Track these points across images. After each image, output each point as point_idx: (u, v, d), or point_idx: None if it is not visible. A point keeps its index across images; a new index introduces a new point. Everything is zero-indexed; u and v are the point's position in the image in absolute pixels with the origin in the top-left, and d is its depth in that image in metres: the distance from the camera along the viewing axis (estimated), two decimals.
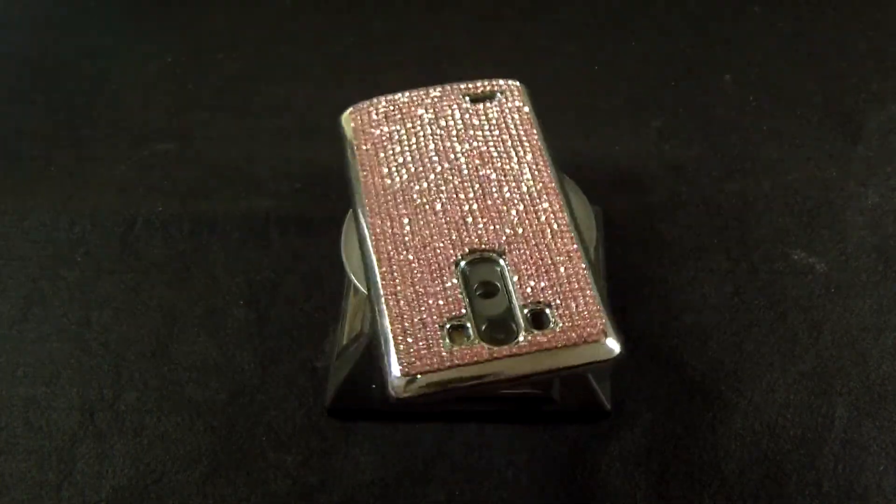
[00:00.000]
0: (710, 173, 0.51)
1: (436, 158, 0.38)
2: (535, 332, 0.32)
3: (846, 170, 0.50)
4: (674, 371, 0.43)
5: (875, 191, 0.49)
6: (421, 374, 0.31)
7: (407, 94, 0.40)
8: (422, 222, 0.36)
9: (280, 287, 0.47)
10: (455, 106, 0.40)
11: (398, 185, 0.37)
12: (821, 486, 0.39)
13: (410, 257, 0.34)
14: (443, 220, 0.36)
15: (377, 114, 0.40)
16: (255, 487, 0.41)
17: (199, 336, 0.45)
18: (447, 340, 0.32)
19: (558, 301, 0.33)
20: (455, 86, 0.40)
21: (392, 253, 0.35)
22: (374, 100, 0.40)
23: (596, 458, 0.41)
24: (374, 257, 0.35)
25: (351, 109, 0.41)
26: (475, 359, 0.31)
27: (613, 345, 0.32)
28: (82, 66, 0.59)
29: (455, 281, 0.33)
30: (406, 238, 0.35)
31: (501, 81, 0.41)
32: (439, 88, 0.40)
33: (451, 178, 0.37)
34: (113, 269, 0.48)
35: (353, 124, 0.40)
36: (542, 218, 0.35)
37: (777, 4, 0.60)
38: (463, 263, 0.34)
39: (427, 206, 0.36)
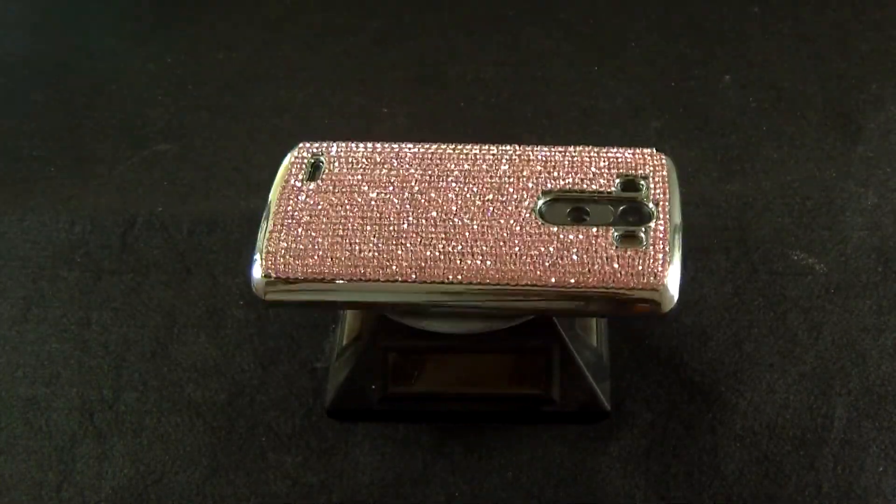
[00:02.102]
0: (710, 173, 0.51)
1: (374, 206, 0.36)
2: (646, 192, 0.36)
3: (846, 170, 0.50)
4: (674, 371, 0.43)
5: (875, 191, 0.49)
6: (670, 274, 0.34)
7: (276, 207, 0.37)
8: (474, 223, 0.36)
9: None
10: (306, 185, 0.37)
11: (400, 239, 0.36)
12: (820, 486, 0.39)
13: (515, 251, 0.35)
14: (487, 207, 0.36)
15: (296, 240, 0.36)
16: (255, 488, 0.41)
17: (199, 336, 0.45)
18: (632, 248, 0.34)
19: (623, 167, 0.37)
20: (284, 179, 0.38)
21: (497, 262, 0.34)
22: (274, 245, 0.36)
23: (596, 458, 0.41)
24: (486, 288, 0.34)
25: (262, 274, 0.35)
26: (669, 233, 0.35)
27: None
28: (82, 66, 0.59)
29: (556, 227, 0.35)
30: (478, 245, 0.35)
31: (302, 150, 0.39)
32: (277, 195, 0.37)
33: (412, 195, 0.37)
34: (113, 269, 0.48)
35: (275, 278, 0.35)
36: (514, 156, 0.37)
37: (777, 4, 0.60)
38: (542, 218, 0.35)
39: (446, 217, 0.36)
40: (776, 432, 0.41)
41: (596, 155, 0.37)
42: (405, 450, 0.41)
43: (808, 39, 0.57)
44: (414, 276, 0.35)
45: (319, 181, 0.37)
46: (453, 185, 0.37)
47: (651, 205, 0.36)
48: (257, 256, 0.35)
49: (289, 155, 0.39)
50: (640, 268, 0.34)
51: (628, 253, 0.34)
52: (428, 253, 0.35)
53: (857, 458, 0.40)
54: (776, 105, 0.54)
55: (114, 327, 0.46)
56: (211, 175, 0.52)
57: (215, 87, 0.57)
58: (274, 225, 0.36)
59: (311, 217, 0.36)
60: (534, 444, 0.41)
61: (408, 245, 0.35)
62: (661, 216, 0.35)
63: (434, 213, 0.36)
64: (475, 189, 0.37)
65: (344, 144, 0.38)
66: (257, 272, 0.35)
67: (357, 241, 0.35)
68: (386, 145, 0.38)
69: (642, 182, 0.36)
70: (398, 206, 0.36)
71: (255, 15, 0.62)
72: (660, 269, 0.34)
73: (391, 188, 0.37)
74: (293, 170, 0.38)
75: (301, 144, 0.39)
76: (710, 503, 0.39)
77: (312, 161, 0.38)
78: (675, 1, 0.61)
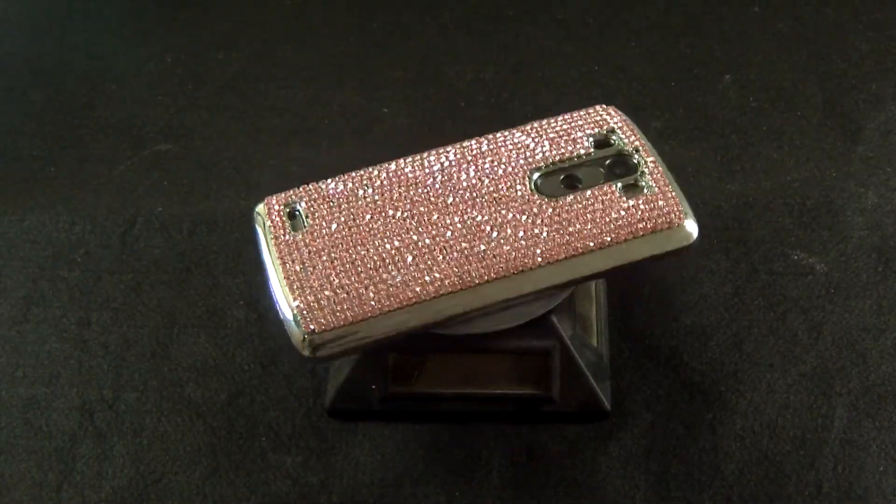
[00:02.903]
0: (710, 173, 0.51)
1: (380, 233, 0.36)
2: (621, 143, 0.38)
3: (846, 170, 0.50)
4: (674, 371, 0.43)
5: (875, 191, 0.49)
6: (685, 208, 0.37)
7: (282, 265, 0.35)
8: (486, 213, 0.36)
9: None
10: (297, 235, 0.36)
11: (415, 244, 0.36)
12: (821, 486, 0.39)
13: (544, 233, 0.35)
14: (490, 200, 0.36)
15: (322, 288, 0.35)
16: (255, 488, 0.41)
17: (199, 336, 0.45)
18: (641, 195, 0.36)
19: (588, 127, 0.38)
20: (273, 237, 0.36)
21: (529, 243, 0.35)
22: (303, 300, 0.35)
23: (596, 458, 0.41)
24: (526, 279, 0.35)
25: (306, 332, 0.34)
26: (665, 174, 0.37)
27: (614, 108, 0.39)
28: (82, 66, 0.59)
29: (562, 198, 0.36)
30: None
31: (270, 204, 0.37)
32: (276, 253, 0.36)
33: (412, 210, 0.36)
34: (113, 269, 0.48)
35: (322, 332, 0.34)
36: (487, 147, 0.38)
37: (777, 4, 0.60)
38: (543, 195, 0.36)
39: (457, 220, 0.36)
40: (776, 432, 0.41)
41: (560, 124, 0.38)
42: (405, 450, 0.41)
43: (808, 39, 0.57)
44: (457, 284, 0.34)
45: (310, 227, 0.36)
46: (444, 189, 0.37)
47: (634, 154, 0.37)
48: (290, 318, 0.34)
49: (259, 212, 0.37)
50: (659, 209, 0.36)
51: (640, 201, 0.36)
52: (460, 257, 0.35)
53: (858, 457, 0.40)
54: (776, 105, 0.54)
55: (114, 327, 0.46)
56: (211, 175, 0.52)
57: (215, 87, 0.57)
58: (290, 282, 0.35)
59: (324, 263, 0.35)
60: (534, 444, 0.41)
61: (435, 257, 0.35)
62: (648, 161, 0.37)
63: (445, 220, 0.36)
64: (468, 186, 0.37)
65: (311, 186, 0.37)
66: (298, 333, 0.34)
67: (384, 269, 0.35)
68: (354, 174, 0.38)
69: (613, 136, 0.38)
70: (404, 225, 0.36)
71: (255, 15, 0.62)
72: (675, 206, 0.36)
73: (387, 210, 0.36)
74: (275, 224, 0.36)
75: (266, 200, 0.37)
76: (710, 503, 0.39)
77: (288, 211, 0.37)
78: (675, 1, 0.61)
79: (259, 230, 0.37)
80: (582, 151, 0.38)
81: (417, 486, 0.40)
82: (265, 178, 0.52)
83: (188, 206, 0.50)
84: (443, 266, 0.35)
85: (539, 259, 0.35)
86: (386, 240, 0.35)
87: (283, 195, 0.37)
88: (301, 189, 0.37)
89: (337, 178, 0.38)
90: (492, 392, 0.41)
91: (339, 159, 0.53)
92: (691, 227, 0.36)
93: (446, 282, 0.34)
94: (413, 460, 0.41)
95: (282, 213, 0.37)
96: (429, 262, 0.35)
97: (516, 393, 0.41)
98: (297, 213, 0.37)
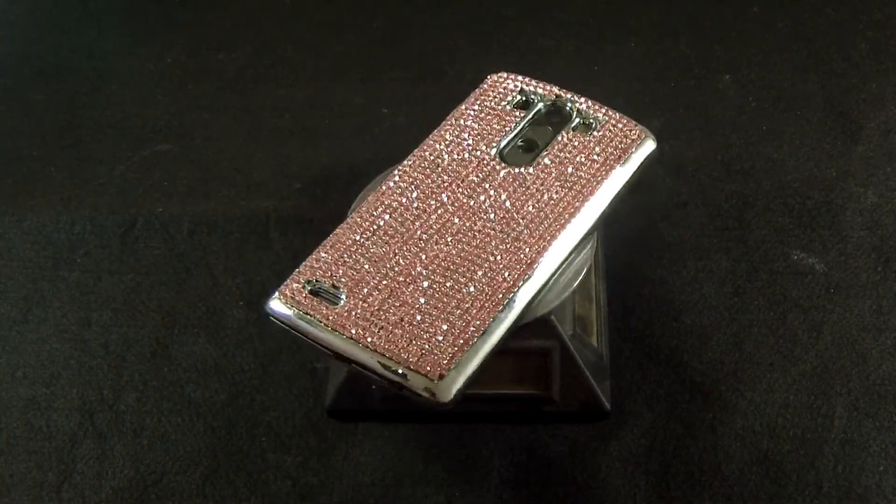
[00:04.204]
0: (710, 173, 0.51)
1: (420, 263, 0.35)
2: (539, 95, 0.39)
3: (846, 170, 0.50)
4: (674, 371, 0.43)
5: (875, 191, 0.49)
6: (638, 125, 0.38)
7: (354, 340, 0.34)
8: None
9: None
10: (340, 307, 0.34)
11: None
12: (821, 486, 0.39)
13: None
14: (485, 189, 0.37)
15: (416, 335, 0.34)
16: (255, 488, 0.41)
17: (199, 336, 0.45)
18: (598, 129, 0.38)
19: (501, 96, 0.40)
20: (320, 320, 0.34)
21: (557, 204, 0.36)
22: (408, 356, 0.33)
23: (596, 458, 0.41)
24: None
25: (436, 378, 0.33)
26: (595, 103, 0.39)
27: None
28: (82, 66, 0.59)
29: (543, 161, 0.37)
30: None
31: (291, 291, 0.35)
32: (340, 336, 0.34)
33: (430, 227, 0.36)
34: (113, 270, 0.48)
35: (450, 371, 0.33)
36: (443, 146, 0.38)
37: (777, 4, 0.60)
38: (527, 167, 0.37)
39: (475, 218, 0.36)
40: (776, 432, 0.41)
41: (478, 105, 0.39)
42: (405, 450, 0.41)
43: (808, 39, 0.57)
44: (525, 270, 0.34)
45: (350, 294, 0.34)
46: (436, 201, 0.36)
47: (559, 100, 0.39)
48: (411, 377, 0.32)
49: (281, 306, 0.34)
50: (620, 132, 0.38)
51: (600, 133, 0.38)
52: (507, 247, 0.35)
53: (858, 457, 0.40)
54: (776, 105, 0.54)
55: (114, 327, 0.46)
56: (211, 175, 0.52)
57: (215, 87, 0.57)
58: (382, 348, 0.33)
59: (397, 315, 0.34)
60: (534, 444, 0.41)
61: (486, 258, 0.35)
62: (574, 98, 0.39)
63: (465, 224, 0.36)
64: (452, 188, 0.37)
65: (311, 262, 0.35)
66: (430, 385, 0.32)
67: (453, 290, 0.34)
68: (340, 231, 0.36)
69: (529, 95, 0.39)
70: (437, 242, 0.35)
71: (255, 15, 0.62)
72: (630, 122, 0.38)
73: (406, 242, 0.35)
74: (312, 309, 0.34)
75: (280, 292, 0.34)
76: (710, 503, 0.39)
77: (310, 290, 0.34)
78: (675, 1, 0.61)
79: (297, 321, 0.34)
80: (519, 118, 0.39)
81: (417, 486, 0.40)
82: (265, 178, 0.52)
83: (188, 206, 0.50)
84: (501, 260, 0.35)
85: (568, 215, 0.36)
86: (435, 263, 0.35)
87: (291, 282, 0.35)
88: (304, 269, 0.35)
89: (328, 244, 0.36)
90: (492, 392, 0.41)
91: (339, 159, 0.53)
92: (647, 133, 0.38)
93: (510, 273, 0.34)
94: (413, 460, 0.41)
95: (306, 292, 0.34)
96: (487, 266, 0.35)
97: (516, 393, 0.41)
98: (322, 289, 0.34)
